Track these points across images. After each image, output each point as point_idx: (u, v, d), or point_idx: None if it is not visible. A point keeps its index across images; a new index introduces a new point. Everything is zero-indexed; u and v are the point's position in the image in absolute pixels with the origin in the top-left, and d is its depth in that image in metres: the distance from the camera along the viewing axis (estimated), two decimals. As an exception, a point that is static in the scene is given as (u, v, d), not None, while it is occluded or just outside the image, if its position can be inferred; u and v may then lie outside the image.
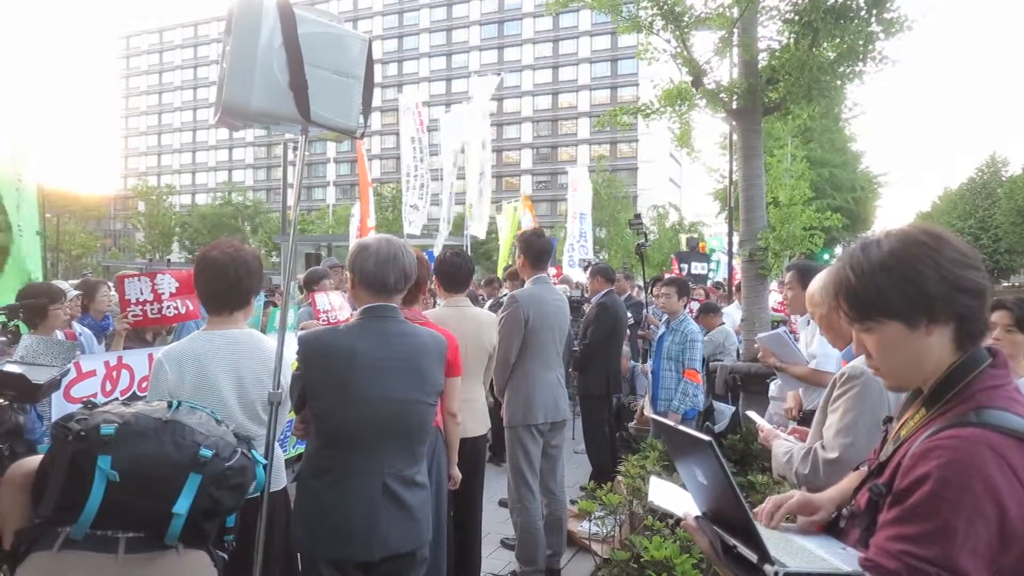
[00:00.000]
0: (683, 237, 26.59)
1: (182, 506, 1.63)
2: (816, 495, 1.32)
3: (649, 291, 7.99)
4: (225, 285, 2.45)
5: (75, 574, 1.58)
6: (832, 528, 1.34)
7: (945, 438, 1.08)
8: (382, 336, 2.28)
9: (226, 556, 1.80)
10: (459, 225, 14.49)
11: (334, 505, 2.20)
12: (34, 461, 1.71)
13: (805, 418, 2.81)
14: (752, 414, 2.70)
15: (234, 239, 2.67)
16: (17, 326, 3.40)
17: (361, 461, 2.22)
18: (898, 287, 1.16)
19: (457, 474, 3.21)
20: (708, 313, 7.10)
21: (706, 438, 1.20)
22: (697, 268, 14.41)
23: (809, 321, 3.34)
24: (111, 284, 5.57)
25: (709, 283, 13.33)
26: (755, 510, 1.27)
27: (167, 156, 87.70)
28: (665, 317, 5.78)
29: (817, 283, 2.44)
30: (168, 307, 4.13)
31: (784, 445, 2.18)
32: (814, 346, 3.34)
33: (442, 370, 2.45)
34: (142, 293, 4.12)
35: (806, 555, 1.21)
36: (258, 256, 2.60)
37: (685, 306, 5.75)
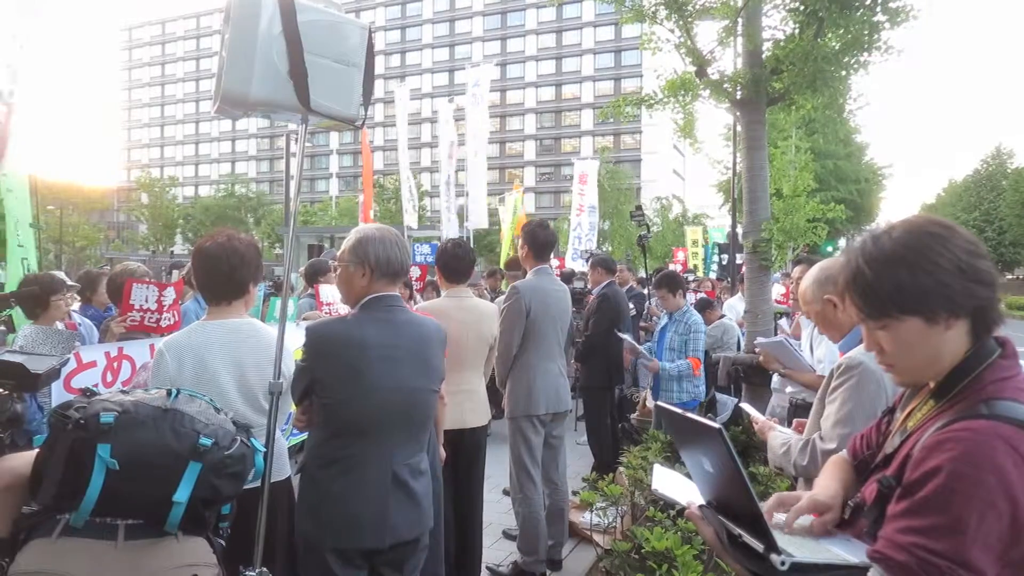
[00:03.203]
0: (725, 230, 27.63)
1: (182, 494, 1.63)
2: (824, 495, 1.29)
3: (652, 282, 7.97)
4: (220, 275, 2.46)
5: (74, 561, 1.58)
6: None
7: (957, 430, 1.07)
8: (390, 325, 2.29)
9: (223, 543, 1.81)
10: (463, 216, 14.47)
11: (344, 495, 2.20)
12: (17, 459, 1.70)
13: (802, 410, 2.80)
14: (746, 406, 2.69)
15: (231, 229, 2.67)
16: (10, 316, 3.36)
17: (372, 451, 2.24)
18: (917, 280, 1.13)
19: (441, 452, 3.23)
20: (704, 310, 7.10)
21: (715, 425, 1.17)
22: (739, 258, 14.49)
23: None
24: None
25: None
26: (763, 508, 1.25)
27: (170, 148, 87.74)
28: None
29: (808, 280, 2.39)
30: (164, 319, 4.12)
31: (780, 437, 2.18)
32: (821, 351, 3.26)
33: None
34: (147, 301, 4.09)
35: (812, 545, 1.19)
36: (253, 244, 2.59)
37: (684, 296, 5.75)
